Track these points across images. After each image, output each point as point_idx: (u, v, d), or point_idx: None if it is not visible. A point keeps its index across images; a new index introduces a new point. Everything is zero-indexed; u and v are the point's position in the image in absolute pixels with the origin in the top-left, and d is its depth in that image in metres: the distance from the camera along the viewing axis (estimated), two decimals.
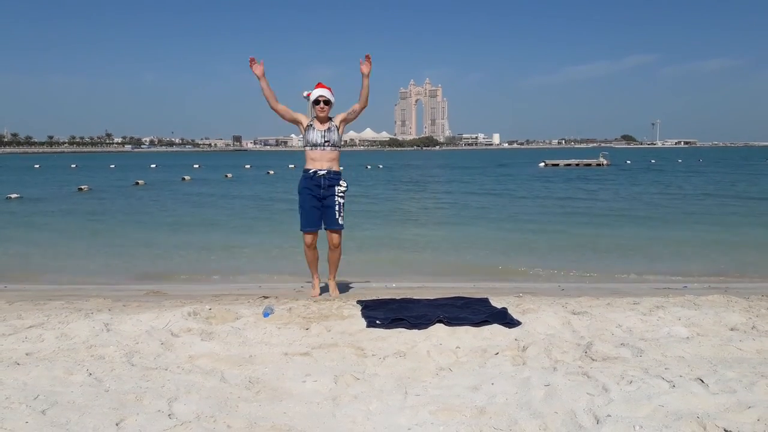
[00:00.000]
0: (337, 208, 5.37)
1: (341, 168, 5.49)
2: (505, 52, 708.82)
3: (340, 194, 5.39)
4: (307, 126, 5.35)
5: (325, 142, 5.31)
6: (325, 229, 5.45)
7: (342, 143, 5.52)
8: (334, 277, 5.68)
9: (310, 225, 5.41)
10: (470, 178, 38.18)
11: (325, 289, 5.73)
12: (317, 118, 5.34)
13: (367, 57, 5.24)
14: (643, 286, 6.75)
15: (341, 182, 5.42)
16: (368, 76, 5.26)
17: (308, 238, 5.47)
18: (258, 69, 5.25)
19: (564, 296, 5.49)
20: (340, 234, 5.46)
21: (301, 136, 5.44)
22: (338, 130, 5.39)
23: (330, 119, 5.39)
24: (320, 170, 5.35)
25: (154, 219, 15.98)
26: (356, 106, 5.41)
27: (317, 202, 5.38)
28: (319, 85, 5.37)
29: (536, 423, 2.61)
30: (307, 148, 5.36)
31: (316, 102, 5.30)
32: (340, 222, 5.40)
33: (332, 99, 5.35)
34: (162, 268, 8.80)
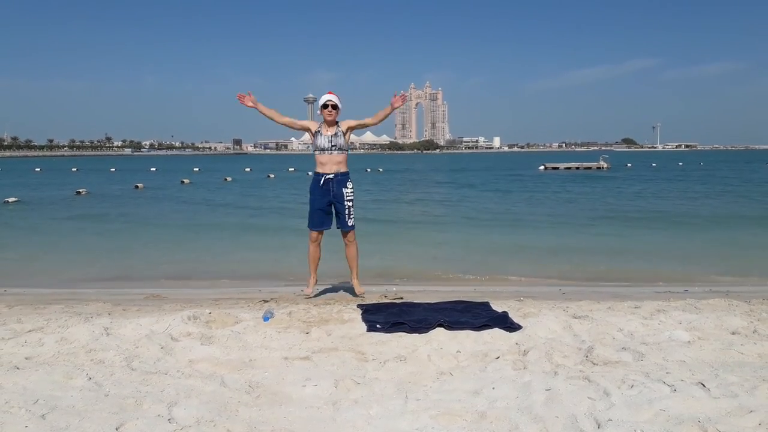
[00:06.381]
0: (347, 212, 5.70)
1: (348, 170, 5.75)
2: (506, 56, 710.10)
3: (348, 198, 5.68)
4: (316, 132, 5.63)
5: (332, 146, 5.57)
6: (339, 229, 5.76)
7: (349, 148, 5.76)
8: (357, 276, 5.93)
9: (315, 225, 5.77)
10: (470, 181, 38.16)
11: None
12: (325, 122, 5.60)
13: (403, 95, 5.54)
14: (644, 290, 6.73)
15: (348, 183, 5.68)
16: (395, 109, 5.51)
17: (313, 234, 5.82)
18: (249, 102, 5.53)
19: (565, 300, 5.48)
20: (353, 232, 5.79)
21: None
22: (344, 135, 5.63)
23: (337, 124, 5.62)
24: (328, 174, 5.62)
25: (154, 222, 15.96)
26: (369, 120, 5.70)
27: (325, 205, 5.70)
28: (329, 93, 5.63)
29: (537, 427, 2.60)
30: (316, 152, 5.64)
31: (324, 106, 5.57)
32: (351, 224, 5.74)
33: (339, 104, 5.60)
34: (161, 271, 8.78)
